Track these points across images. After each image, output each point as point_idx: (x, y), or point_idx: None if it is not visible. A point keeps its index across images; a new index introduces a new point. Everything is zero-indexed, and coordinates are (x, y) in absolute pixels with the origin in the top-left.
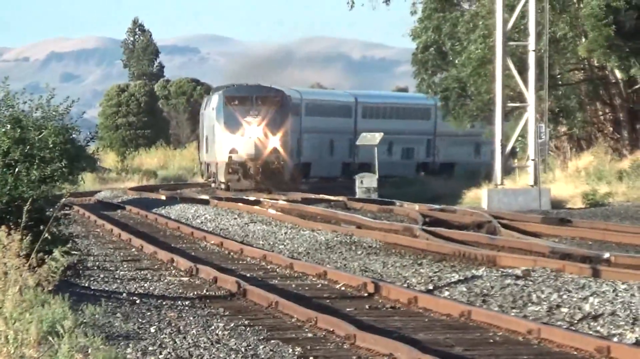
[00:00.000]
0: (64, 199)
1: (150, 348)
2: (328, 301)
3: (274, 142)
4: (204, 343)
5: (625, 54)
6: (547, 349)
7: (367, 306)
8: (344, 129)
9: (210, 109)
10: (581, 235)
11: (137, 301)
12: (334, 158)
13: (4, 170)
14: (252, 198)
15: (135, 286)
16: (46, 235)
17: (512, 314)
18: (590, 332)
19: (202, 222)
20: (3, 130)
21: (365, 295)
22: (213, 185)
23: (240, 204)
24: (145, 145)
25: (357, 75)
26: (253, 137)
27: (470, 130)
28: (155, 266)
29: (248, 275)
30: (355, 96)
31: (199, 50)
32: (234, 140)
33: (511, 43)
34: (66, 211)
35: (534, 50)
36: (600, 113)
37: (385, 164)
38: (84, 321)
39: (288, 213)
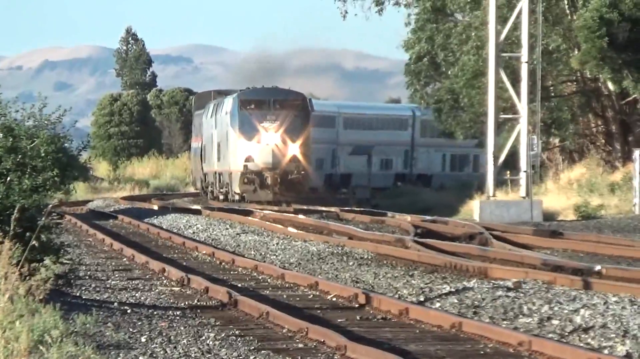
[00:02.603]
0: (50, 205)
1: (140, 358)
2: (319, 311)
3: (294, 149)
4: (195, 353)
5: (618, 66)
6: None
7: (358, 317)
8: None
9: (224, 114)
10: (573, 247)
11: (128, 311)
12: None
13: None
14: (251, 209)
15: (126, 295)
16: (34, 243)
17: (503, 326)
18: (581, 344)
19: (194, 232)
20: None
21: (357, 305)
22: (221, 197)
23: (232, 214)
24: (137, 154)
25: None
26: (270, 144)
27: (365, 140)
28: (147, 276)
29: (239, 285)
30: None
31: (192, 60)
32: (249, 147)
33: (504, 54)
34: (57, 220)
35: (526, 62)
36: (593, 125)
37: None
38: (75, 330)
39: (280, 223)
